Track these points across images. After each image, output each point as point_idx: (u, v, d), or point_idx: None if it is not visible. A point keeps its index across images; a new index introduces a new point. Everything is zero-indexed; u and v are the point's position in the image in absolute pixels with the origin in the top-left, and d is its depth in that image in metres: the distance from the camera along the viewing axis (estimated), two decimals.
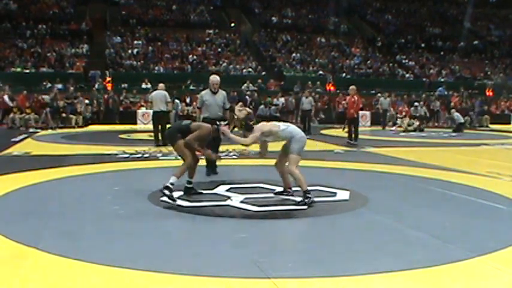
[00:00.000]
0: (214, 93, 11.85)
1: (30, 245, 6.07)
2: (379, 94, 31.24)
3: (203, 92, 12.20)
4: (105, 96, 30.00)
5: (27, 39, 37.15)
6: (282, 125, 9.04)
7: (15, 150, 16.07)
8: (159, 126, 17.29)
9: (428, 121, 32.20)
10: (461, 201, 9.08)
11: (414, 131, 26.29)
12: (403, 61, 42.43)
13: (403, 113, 28.78)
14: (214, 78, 12.06)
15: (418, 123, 27.31)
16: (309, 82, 33.88)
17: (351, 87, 20.16)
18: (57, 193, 9.56)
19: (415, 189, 10.37)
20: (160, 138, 16.84)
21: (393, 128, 27.39)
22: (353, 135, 19.57)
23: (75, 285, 4.97)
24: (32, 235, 6.51)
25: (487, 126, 31.58)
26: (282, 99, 30.98)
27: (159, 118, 17.39)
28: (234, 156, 14.76)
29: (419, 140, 21.56)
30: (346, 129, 21.13)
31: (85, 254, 5.73)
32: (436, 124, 32.28)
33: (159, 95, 17.58)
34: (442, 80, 39.51)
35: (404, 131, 26.15)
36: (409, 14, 50.51)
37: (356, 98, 19.55)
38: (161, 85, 18.20)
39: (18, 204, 8.53)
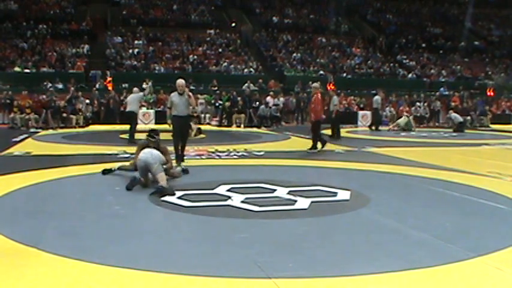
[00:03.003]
0: (181, 94, 13.13)
1: (31, 244, 6.09)
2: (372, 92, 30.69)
3: (172, 94, 13.44)
4: (106, 96, 30.00)
5: (28, 39, 37.13)
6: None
7: (16, 150, 16.08)
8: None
9: (429, 121, 32.23)
10: (462, 201, 9.08)
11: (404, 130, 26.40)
12: (404, 61, 42.36)
13: (404, 113, 28.80)
14: (180, 82, 13.30)
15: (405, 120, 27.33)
16: (310, 82, 33.86)
17: (315, 84, 17.75)
18: (58, 193, 9.58)
19: (416, 189, 10.37)
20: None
21: (390, 127, 27.37)
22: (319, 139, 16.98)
23: (76, 285, 4.98)
24: (33, 235, 6.53)
25: (487, 126, 31.56)
26: (282, 99, 30.95)
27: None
28: (235, 156, 14.76)
29: (420, 140, 21.55)
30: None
31: (86, 253, 5.74)
32: (437, 124, 32.27)
33: (136, 97, 19.65)
34: (443, 80, 39.46)
35: (399, 130, 26.21)
36: (410, 14, 50.45)
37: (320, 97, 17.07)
38: (135, 89, 20.18)
39: (19, 204, 8.54)
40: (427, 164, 13.54)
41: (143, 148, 10.57)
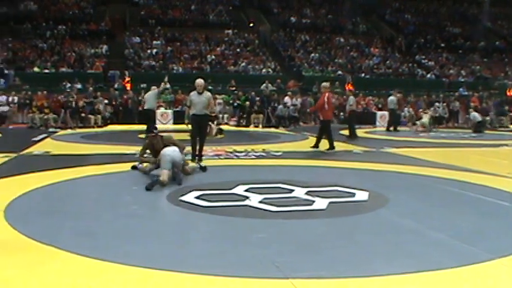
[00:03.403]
0: (200, 93, 13.50)
1: (48, 243, 6.11)
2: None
3: (191, 93, 13.83)
4: (124, 96, 30.12)
5: (47, 39, 37.39)
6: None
7: (35, 149, 16.18)
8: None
9: (448, 122, 32.02)
10: (480, 202, 9.02)
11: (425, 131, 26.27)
12: (423, 61, 42.15)
13: (424, 112, 28.63)
14: (200, 81, 13.62)
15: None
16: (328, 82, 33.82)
17: (324, 83, 17.71)
18: (76, 192, 9.64)
19: (434, 190, 10.31)
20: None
21: (416, 128, 27.12)
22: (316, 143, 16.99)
23: (93, 284, 4.99)
24: (51, 234, 6.56)
25: (507, 127, 31.32)
26: (300, 100, 30.89)
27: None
28: (253, 157, 14.75)
29: (438, 141, 21.43)
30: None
31: (103, 253, 5.76)
32: (456, 124, 32.06)
33: (153, 94, 20.18)
34: (462, 80, 39.21)
35: (425, 130, 26.05)
36: (429, 14, 50.16)
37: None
38: (153, 87, 20.78)
39: (37, 203, 8.59)
40: (446, 165, 13.46)
41: (149, 147, 11.47)
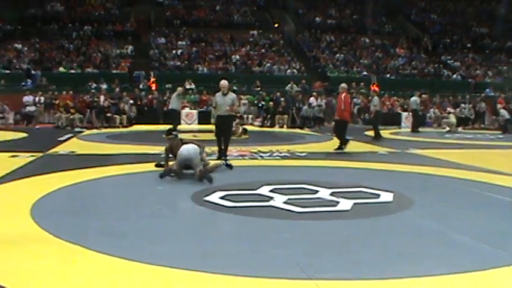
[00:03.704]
0: (225, 95, 13.73)
1: (74, 242, 6.17)
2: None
3: (216, 94, 14.16)
4: (149, 96, 30.28)
5: (73, 40, 37.72)
6: None
7: (61, 149, 16.32)
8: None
9: (474, 123, 31.73)
10: (506, 204, 8.93)
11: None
12: (449, 61, 41.81)
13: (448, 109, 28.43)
14: (224, 83, 13.86)
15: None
16: (353, 83, 33.76)
17: (342, 84, 17.84)
18: (101, 192, 9.71)
19: (459, 192, 10.23)
20: None
21: (444, 130, 26.87)
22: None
23: (120, 283, 5.04)
24: (77, 233, 6.62)
25: None
26: (325, 100, 30.77)
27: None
28: (278, 157, 14.74)
29: (464, 142, 21.23)
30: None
31: (129, 252, 5.79)
32: (482, 126, 31.77)
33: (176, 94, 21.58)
34: (489, 81, 38.81)
35: (453, 129, 25.88)
36: (455, 14, 49.72)
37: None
38: (179, 88, 22.19)
39: (63, 202, 8.67)
40: (471, 166, 13.34)
41: (172, 147, 11.47)
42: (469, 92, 35.62)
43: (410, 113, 27.76)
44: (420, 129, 26.27)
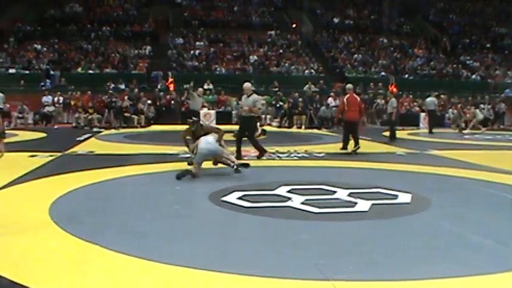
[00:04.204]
0: (248, 96, 14.48)
1: (93, 241, 6.20)
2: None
3: (242, 96, 15.00)
4: (167, 96, 30.38)
5: (92, 40, 37.96)
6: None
7: (79, 149, 16.42)
8: None
9: (493, 124, 31.51)
10: None
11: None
12: (468, 62, 41.55)
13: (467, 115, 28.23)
14: (246, 85, 14.81)
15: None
16: (371, 83, 33.67)
17: (348, 85, 18.08)
18: (120, 192, 9.75)
19: (478, 193, 10.17)
20: None
21: (466, 131, 26.64)
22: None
23: (137, 282, 5.05)
24: (95, 232, 6.65)
25: None
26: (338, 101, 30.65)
27: None
28: (295, 158, 14.73)
29: (484, 143, 21.08)
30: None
31: (147, 252, 5.81)
32: (502, 126, 31.55)
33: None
34: (509, 81, 38.50)
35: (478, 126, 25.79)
36: (474, 14, 49.40)
37: (358, 98, 17.57)
38: (200, 90, 22.77)
39: (82, 202, 8.71)
40: (490, 168, 13.24)
41: (189, 133, 12.24)
42: (488, 92, 35.38)
43: (427, 114, 27.56)
44: (438, 130, 26.09)
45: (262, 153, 14.29)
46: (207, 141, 11.12)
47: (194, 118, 12.41)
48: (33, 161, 13.33)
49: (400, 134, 23.04)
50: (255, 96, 14.62)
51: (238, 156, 13.70)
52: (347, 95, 17.05)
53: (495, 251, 6.21)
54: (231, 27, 42.03)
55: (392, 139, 20.59)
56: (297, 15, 46.22)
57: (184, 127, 13.02)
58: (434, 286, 5.04)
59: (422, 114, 31.04)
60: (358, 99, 17.18)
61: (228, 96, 31.02)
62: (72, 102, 28.27)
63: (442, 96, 32.05)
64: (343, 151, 16.34)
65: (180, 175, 10.68)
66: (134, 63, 35.47)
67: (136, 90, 29.89)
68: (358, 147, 16.10)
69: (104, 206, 8.37)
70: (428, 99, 26.41)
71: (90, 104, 27.32)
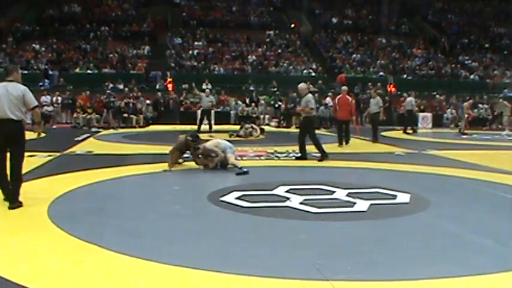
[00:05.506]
0: (303, 97, 14.67)
1: (91, 241, 6.20)
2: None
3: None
4: (167, 96, 30.37)
5: (91, 40, 37.93)
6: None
7: (78, 149, 16.41)
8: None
9: (491, 124, 31.51)
10: None
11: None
12: (466, 62, 41.52)
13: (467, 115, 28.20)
14: (299, 86, 15.32)
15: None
16: (369, 83, 33.65)
17: (343, 87, 19.53)
18: (118, 191, 9.74)
19: (477, 193, 10.17)
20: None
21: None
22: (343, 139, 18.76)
23: (136, 282, 5.05)
24: (93, 232, 6.65)
25: None
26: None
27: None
28: (294, 158, 14.72)
29: (482, 143, 21.08)
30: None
31: (145, 252, 5.81)
32: (500, 127, 31.52)
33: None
34: (507, 81, 38.49)
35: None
36: (473, 14, 49.36)
37: (350, 99, 19.34)
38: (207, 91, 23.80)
39: (80, 201, 8.71)
40: (489, 168, 13.25)
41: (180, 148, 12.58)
42: (486, 92, 35.38)
43: (406, 114, 27.05)
44: (438, 130, 26.07)
45: (323, 155, 14.18)
46: (221, 141, 12.51)
47: (197, 139, 12.43)
48: (31, 161, 13.26)
49: (398, 134, 23.09)
50: (307, 96, 14.55)
51: (303, 155, 14.27)
52: (339, 96, 18.78)
53: (495, 251, 6.21)
54: (229, 27, 42.01)
55: (375, 139, 20.07)
56: (296, 15, 46.19)
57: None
58: (433, 286, 5.04)
59: (421, 115, 31.09)
60: (350, 99, 18.83)
61: (227, 96, 31.01)
62: (81, 102, 27.99)
63: (437, 96, 32.11)
64: (340, 148, 17.35)
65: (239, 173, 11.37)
66: (133, 63, 35.44)
67: (126, 89, 29.61)
68: (346, 143, 18.18)
69: (103, 206, 8.36)
70: (408, 99, 26.27)
71: (89, 104, 27.30)
